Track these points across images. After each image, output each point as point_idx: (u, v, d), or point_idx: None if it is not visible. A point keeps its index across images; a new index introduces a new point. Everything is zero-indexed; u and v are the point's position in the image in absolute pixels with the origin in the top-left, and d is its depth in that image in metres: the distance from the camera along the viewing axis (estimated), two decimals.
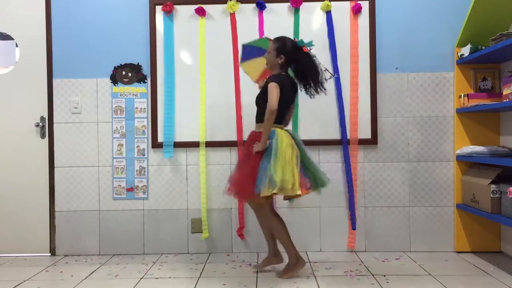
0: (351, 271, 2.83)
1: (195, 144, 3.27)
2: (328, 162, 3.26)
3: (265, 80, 2.75)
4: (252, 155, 2.62)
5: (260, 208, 2.74)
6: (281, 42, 2.70)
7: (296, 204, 3.27)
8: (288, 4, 3.25)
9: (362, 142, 3.25)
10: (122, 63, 3.31)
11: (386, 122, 3.28)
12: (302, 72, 2.74)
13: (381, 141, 3.28)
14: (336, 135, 3.26)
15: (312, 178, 2.67)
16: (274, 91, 2.57)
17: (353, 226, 3.25)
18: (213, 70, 3.28)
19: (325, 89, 2.74)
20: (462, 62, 3.17)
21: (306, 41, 2.71)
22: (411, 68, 3.27)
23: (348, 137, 3.24)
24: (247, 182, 2.55)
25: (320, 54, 3.23)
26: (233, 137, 3.24)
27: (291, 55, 2.69)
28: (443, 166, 3.27)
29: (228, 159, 3.29)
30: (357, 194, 3.25)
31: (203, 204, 3.26)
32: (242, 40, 3.20)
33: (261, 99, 2.68)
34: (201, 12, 3.26)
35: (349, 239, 3.26)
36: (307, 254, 3.22)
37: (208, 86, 3.28)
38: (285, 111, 2.73)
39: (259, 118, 2.71)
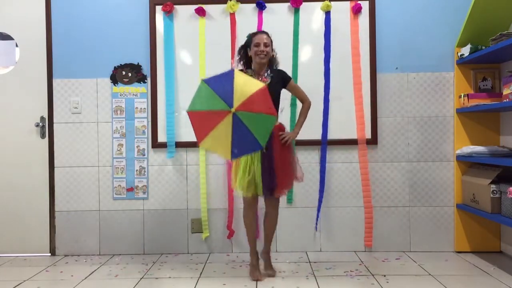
0: (351, 271, 2.83)
1: (195, 144, 3.26)
2: (328, 162, 3.26)
3: (270, 75, 2.71)
4: (283, 147, 2.68)
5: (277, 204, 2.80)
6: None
7: (296, 204, 3.27)
8: (288, 4, 3.25)
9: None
10: (122, 63, 3.31)
11: (386, 122, 3.28)
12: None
13: (381, 141, 3.28)
14: (336, 135, 3.26)
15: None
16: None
17: (316, 227, 3.26)
18: (213, 70, 3.25)
19: None
20: (462, 62, 3.17)
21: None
22: (411, 68, 3.27)
23: (350, 137, 3.25)
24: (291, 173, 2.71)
25: (320, 55, 3.26)
26: None
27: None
28: (443, 166, 3.27)
29: None
30: (370, 194, 3.24)
31: (203, 204, 3.26)
32: (243, 40, 3.20)
33: (277, 93, 2.71)
34: (201, 12, 3.26)
35: (366, 238, 3.24)
36: (307, 254, 3.22)
37: None
38: None
39: None
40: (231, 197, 3.24)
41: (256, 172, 2.60)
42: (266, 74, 2.72)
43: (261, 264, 2.83)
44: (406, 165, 3.28)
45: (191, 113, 2.42)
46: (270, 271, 2.78)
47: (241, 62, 2.80)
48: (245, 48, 2.77)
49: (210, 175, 3.29)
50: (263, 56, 2.65)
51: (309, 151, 3.27)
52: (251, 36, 2.73)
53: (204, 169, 3.26)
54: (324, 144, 3.24)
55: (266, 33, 2.71)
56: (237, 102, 2.33)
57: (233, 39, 3.26)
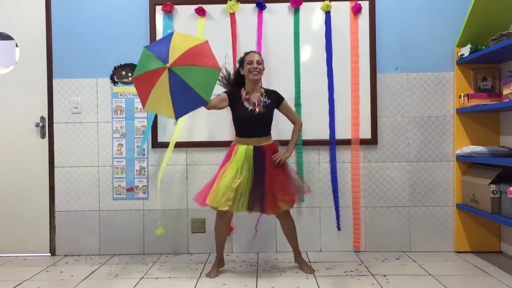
0: (351, 271, 2.83)
1: (195, 144, 3.27)
2: (328, 162, 3.26)
3: (264, 95, 2.78)
4: (276, 167, 2.71)
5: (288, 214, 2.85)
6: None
7: (296, 204, 3.27)
8: (288, 4, 3.25)
9: (362, 142, 3.25)
10: (122, 63, 3.31)
11: (386, 122, 3.28)
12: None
13: (381, 141, 3.28)
14: (337, 135, 3.25)
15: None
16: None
17: (338, 227, 3.27)
18: None
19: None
20: (462, 62, 3.17)
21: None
22: (411, 68, 3.27)
23: (350, 137, 3.26)
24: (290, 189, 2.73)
25: (320, 55, 3.26)
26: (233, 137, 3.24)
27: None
28: (443, 166, 3.27)
29: None
30: (359, 194, 3.25)
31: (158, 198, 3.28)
32: (243, 39, 3.21)
33: (270, 114, 2.79)
34: (201, 12, 3.26)
35: (354, 239, 3.26)
36: (307, 254, 3.21)
37: None
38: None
39: (267, 131, 2.80)
40: None
41: (244, 191, 2.64)
42: (261, 98, 2.76)
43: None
44: (406, 165, 3.28)
45: (135, 79, 2.46)
46: (308, 271, 2.81)
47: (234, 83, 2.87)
48: (238, 72, 2.85)
49: (210, 176, 3.28)
50: (256, 72, 2.74)
51: (309, 151, 3.27)
52: (243, 56, 2.81)
53: (163, 167, 3.22)
54: (332, 144, 3.24)
55: (258, 53, 2.84)
56: (172, 57, 2.36)
57: (233, 39, 3.26)
